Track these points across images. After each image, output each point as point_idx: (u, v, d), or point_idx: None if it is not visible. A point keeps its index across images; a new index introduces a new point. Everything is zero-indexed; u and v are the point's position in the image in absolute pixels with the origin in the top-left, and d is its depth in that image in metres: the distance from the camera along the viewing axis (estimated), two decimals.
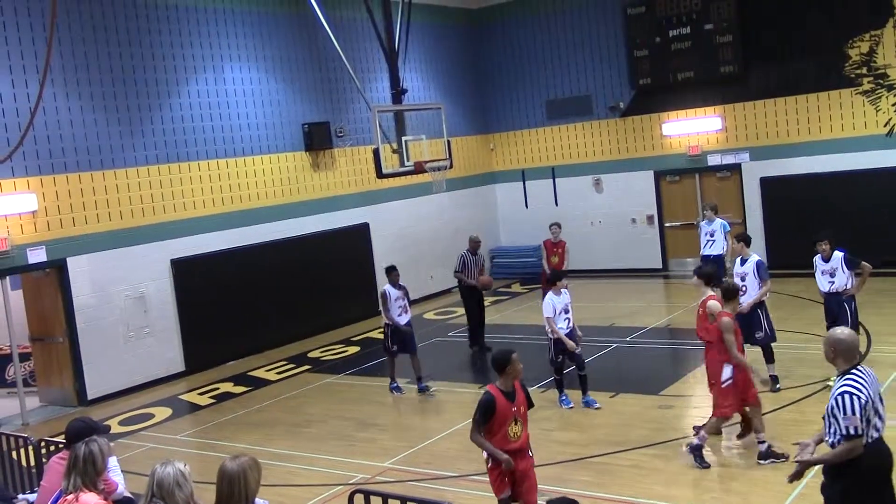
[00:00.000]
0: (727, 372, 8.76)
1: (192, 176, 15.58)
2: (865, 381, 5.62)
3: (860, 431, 5.50)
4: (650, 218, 20.41)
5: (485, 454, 6.91)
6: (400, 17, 16.67)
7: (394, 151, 16.12)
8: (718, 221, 14.98)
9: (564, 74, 21.29)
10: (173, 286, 15.17)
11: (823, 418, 5.76)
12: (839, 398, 5.54)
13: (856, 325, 10.35)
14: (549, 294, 11.22)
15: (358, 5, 17.69)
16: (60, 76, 13.66)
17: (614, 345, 14.11)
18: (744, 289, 10.77)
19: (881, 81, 17.38)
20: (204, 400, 13.68)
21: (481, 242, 15.62)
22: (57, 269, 13.73)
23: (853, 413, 5.47)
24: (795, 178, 18.33)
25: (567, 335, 10.99)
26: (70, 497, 5.46)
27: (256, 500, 4.78)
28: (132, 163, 14.67)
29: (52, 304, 14.00)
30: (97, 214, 14.16)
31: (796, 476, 5.84)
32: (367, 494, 6.37)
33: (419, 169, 16.04)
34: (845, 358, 5.67)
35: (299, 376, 14.48)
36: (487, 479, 7.01)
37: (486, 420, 6.72)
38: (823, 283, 10.69)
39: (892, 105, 17.31)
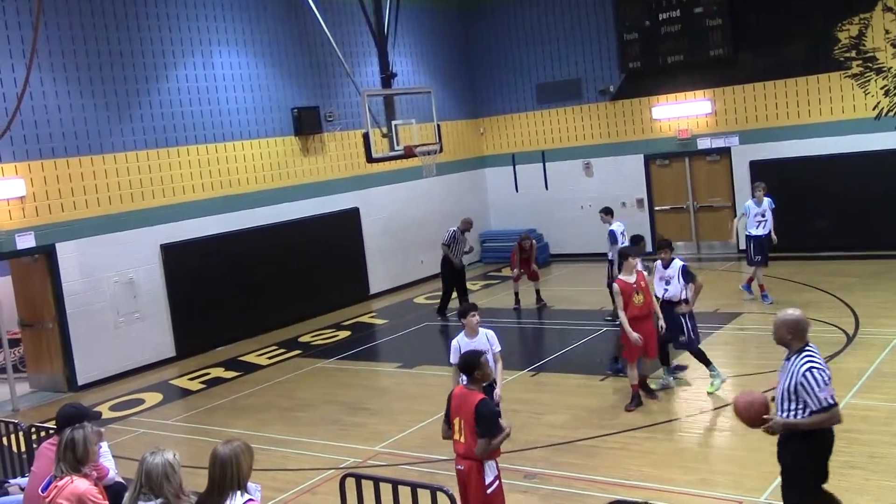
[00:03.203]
0: None
1: (181, 161, 15.52)
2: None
3: (835, 401, 5.79)
4: (640, 201, 20.44)
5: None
6: (389, 0, 16.60)
7: (384, 136, 16.11)
8: (767, 201, 14.97)
9: (554, 58, 21.24)
10: (163, 271, 15.14)
11: (772, 400, 6.04)
12: (808, 374, 5.74)
13: (696, 336, 10.54)
14: (461, 334, 8.49)
15: None
16: (47, 61, 13.56)
17: (604, 329, 14.15)
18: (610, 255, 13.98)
19: (870, 65, 17.41)
20: (195, 385, 13.68)
21: (472, 224, 16.93)
22: (46, 255, 13.68)
23: (826, 384, 5.74)
24: (785, 162, 18.35)
25: None
26: (61, 482, 5.50)
27: (249, 484, 4.80)
28: (121, 148, 14.61)
29: (41, 290, 13.96)
30: (86, 200, 14.11)
31: (765, 424, 5.98)
32: (359, 478, 6.40)
33: (409, 153, 16.04)
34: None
35: (290, 361, 14.49)
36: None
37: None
38: (658, 290, 10.83)
39: (881, 88, 17.34)
